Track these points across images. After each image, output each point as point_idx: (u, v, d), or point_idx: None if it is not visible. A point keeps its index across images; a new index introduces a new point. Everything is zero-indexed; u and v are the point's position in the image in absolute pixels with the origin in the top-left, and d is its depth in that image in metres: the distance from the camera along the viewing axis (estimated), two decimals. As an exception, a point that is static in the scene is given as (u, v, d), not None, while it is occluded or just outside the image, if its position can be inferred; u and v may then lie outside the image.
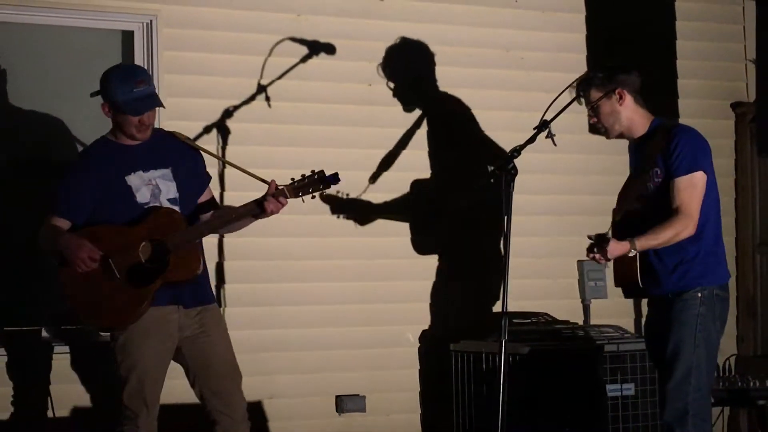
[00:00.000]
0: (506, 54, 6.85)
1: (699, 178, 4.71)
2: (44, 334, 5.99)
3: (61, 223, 4.93)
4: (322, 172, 4.90)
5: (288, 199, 4.93)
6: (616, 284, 4.94)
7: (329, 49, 6.42)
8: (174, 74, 6.17)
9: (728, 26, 7.35)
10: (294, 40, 6.37)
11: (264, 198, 4.94)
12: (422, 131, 6.66)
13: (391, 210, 6.51)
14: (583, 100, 4.92)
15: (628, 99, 4.85)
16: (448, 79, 6.71)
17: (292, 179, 4.93)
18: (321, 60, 6.42)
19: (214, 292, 6.13)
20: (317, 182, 4.92)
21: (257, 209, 4.96)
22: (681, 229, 4.64)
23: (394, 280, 6.57)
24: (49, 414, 5.85)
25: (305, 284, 6.40)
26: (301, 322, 6.38)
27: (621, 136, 4.93)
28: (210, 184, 5.25)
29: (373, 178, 6.53)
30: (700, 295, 4.71)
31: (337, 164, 6.34)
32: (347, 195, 6.44)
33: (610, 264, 4.84)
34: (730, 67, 7.35)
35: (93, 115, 6.08)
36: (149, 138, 5.03)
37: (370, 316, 6.52)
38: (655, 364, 4.97)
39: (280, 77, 6.31)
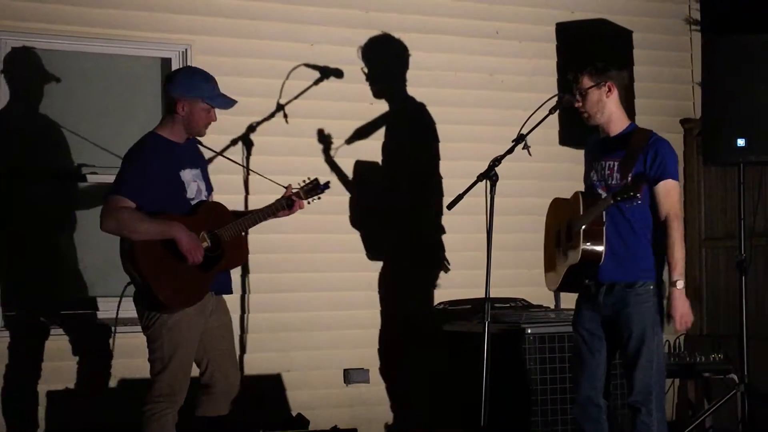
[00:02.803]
0: (489, 77, 6.86)
1: (676, 184, 4.63)
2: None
3: (128, 204, 4.55)
4: (317, 179, 4.97)
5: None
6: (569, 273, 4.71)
7: (338, 73, 6.44)
8: (206, 95, 6.16)
9: (678, 54, 7.35)
10: (308, 65, 6.38)
11: (296, 196, 4.93)
12: (412, 142, 6.67)
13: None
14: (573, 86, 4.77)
15: (615, 94, 4.72)
16: (439, 98, 6.70)
17: (301, 183, 4.96)
18: (331, 83, 6.42)
19: (240, 281, 6.17)
20: (317, 187, 4.96)
21: (285, 204, 4.92)
22: (681, 231, 4.59)
23: (394, 270, 6.55)
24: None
25: (317, 274, 6.39)
26: (313, 306, 6.38)
27: (597, 126, 4.78)
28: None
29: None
30: (652, 287, 4.62)
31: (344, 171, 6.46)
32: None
33: None
34: (679, 88, 7.34)
35: (136, 131, 6.15)
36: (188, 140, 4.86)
37: (372, 301, 6.50)
38: (586, 343, 4.73)
39: (296, 97, 6.31)
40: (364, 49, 6.51)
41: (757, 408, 5.74)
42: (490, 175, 4.50)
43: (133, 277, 4.63)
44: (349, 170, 6.49)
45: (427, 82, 6.66)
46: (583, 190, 4.79)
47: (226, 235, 4.72)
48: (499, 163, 4.54)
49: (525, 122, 4.58)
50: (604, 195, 4.58)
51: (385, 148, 6.58)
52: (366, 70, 6.51)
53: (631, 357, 4.61)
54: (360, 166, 6.52)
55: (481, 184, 4.53)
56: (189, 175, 4.76)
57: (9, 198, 5.85)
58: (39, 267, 5.94)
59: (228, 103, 4.88)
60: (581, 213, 4.60)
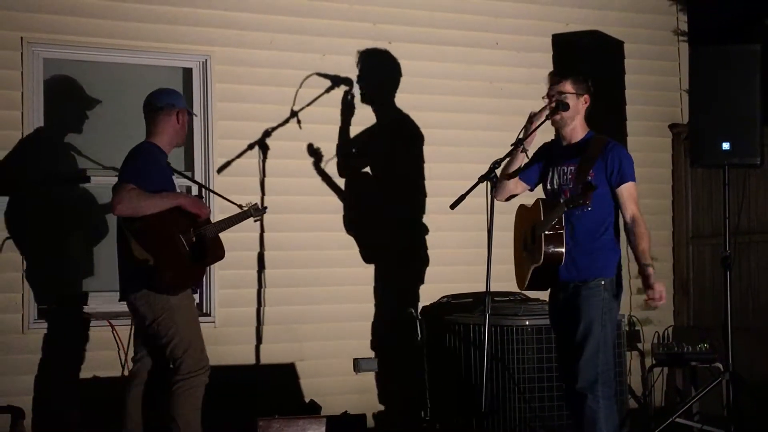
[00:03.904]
0: (490, 85, 6.87)
1: (635, 185, 4.63)
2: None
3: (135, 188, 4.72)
4: (257, 203, 5.25)
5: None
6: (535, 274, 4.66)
7: (347, 82, 6.45)
8: (224, 102, 6.19)
9: (666, 63, 7.35)
10: (319, 74, 6.40)
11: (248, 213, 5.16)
12: (416, 146, 6.67)
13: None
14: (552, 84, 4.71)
15: (586, 107, 4.72)
16: (443, 105, 6.72)
17: (251, 203, 5.19)
18: (341, 91, 6.44)
19: (256, 277, 6.20)
20: (258, 210, 5.18)
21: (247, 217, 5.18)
22: (645, 224, 4.57)
23: (400, 266, 6.58)
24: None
25: (328, 269, 6.41)
26: (324, 299, 6.40)
27: (558, 130, 4.74)
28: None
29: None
30: (603, 282, 4.59)
31: (354, 174, 6.48)
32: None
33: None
34: (667, 95, 7.33)
35: None
36: None
37: (380, 295, 6.50)
38: (560, 339, 4.77)
39: (308, 104, 6.33)
40: (371, 59, 6.52)
41: (740, 394, 5.75)
42: (490, 176, 4.51)
43: (140, 261, 4.69)
44: (356, 172, 6.50)
45: (431, 89, 6.68)
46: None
47: (209, 233, 4.89)
48: (499, 165, 4.55)
49: (523, 127, 4.59)
50: (563, 199, 4.55)
51: (392, 152, 6.61)
52: (373, 79, 6.53)
53: (578, 346, 4.57)
54: (367, 168, 6.53)
55: (482, 185, 4.54)
56: (175, 180, 5.01)
57: (44, 202, 5.89)
58: (70, 264, 5.99)
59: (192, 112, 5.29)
60: (542, 218, 4.59)
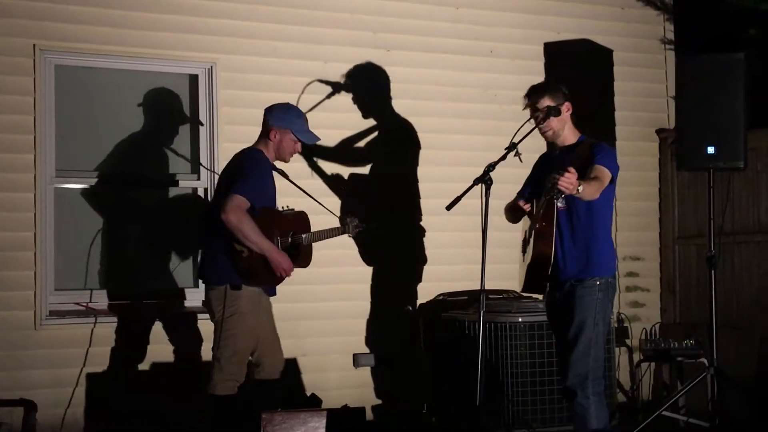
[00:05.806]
0: (484, 92, 6.86)
1: (609, 176, 4.50)
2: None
3: (247, 205, 4.81)
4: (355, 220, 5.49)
5: None
6: (529, 272, 4.60)
7: (348, 88, 6.45)
8: (230, 107, 6.19)
9: (653, 71, 7.34)
10: (321, 81, 6.40)
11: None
12: (414, 151, 6.66)
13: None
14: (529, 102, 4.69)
15: (570, 113, 4.71)
16: (439, 110, 6.72)
17: (352, 222, 5.43)
18: (342, 96, 6.44)
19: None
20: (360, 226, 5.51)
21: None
22: (600, 188, 4.41)
23: (398, 265, 6.57)
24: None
25: (328, 268, 6.37)
26: (325, 297, 6.40)
27: (550, 140, 4.74)
28: None
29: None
30: (598, 283, 4.57)
31: (355, 177, 6.45)
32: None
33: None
34: (655, 102, 7.33)
35: (169, 139, 6.20)
36: None
37: (378, 293, 6.50)
38: (556, 335, 4.78)
39: (311, 109, 6.29)
40: (371, 66, 6.53)
41: (724, 388, 5.76)
42: (485, 179, 4.49)
43: (236, 251, 4.78)
44: (355, 175, 6.49)
45: (428, 95, 6.68)
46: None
47: (305, 241, 5.05)
48: (493, 168, 4.54)
49: (516, 132, 4.58)
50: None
51: (390, 155, 6.59)
52: (372, 85, 6.53)
53: (570, 343, 4.54)
54: (366, 170, 6.52)
55: (477, 188, 4.53)
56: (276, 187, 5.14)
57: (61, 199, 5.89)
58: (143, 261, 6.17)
59: (312, 138, 5.22)
60: (534, 215, 4.58)
